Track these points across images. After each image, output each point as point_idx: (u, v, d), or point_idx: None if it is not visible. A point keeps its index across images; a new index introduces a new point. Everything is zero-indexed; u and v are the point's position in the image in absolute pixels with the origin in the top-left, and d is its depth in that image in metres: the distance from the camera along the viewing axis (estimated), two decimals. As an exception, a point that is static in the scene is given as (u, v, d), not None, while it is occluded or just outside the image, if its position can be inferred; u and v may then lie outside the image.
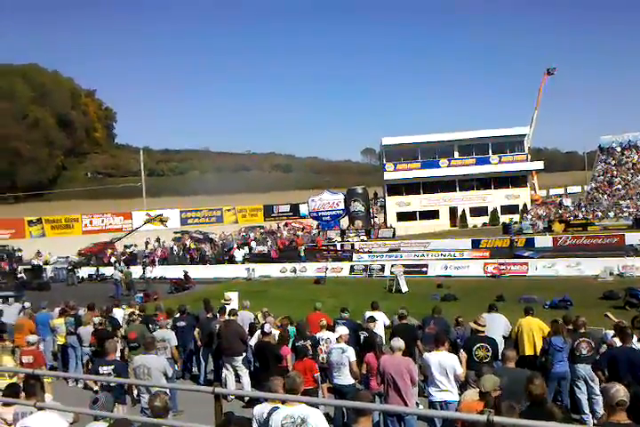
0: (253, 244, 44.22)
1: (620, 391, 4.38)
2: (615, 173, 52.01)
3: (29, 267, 36.50)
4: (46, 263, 38.46)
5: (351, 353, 8.34)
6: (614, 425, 4.20)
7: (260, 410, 5.33)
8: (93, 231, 61.94)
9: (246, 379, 10.43)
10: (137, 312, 13.46)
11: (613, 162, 53.87)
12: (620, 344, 7.92)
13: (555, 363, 8.68)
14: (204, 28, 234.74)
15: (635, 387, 6.07)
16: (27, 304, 15.29)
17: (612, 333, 9.21)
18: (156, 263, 39.11)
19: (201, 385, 11.06)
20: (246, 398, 9.68)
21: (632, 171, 51.23)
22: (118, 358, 9.75)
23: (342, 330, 8.84)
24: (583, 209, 46.14)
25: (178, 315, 12.65)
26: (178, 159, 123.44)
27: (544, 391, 5.23)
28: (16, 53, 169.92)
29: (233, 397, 9.86)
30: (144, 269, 33.24)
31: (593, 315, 11.25)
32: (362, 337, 10.15)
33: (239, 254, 38.82)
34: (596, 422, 7.86)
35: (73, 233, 61.43)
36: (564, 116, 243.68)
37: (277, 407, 5.12)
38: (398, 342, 7.42)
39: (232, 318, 11.02)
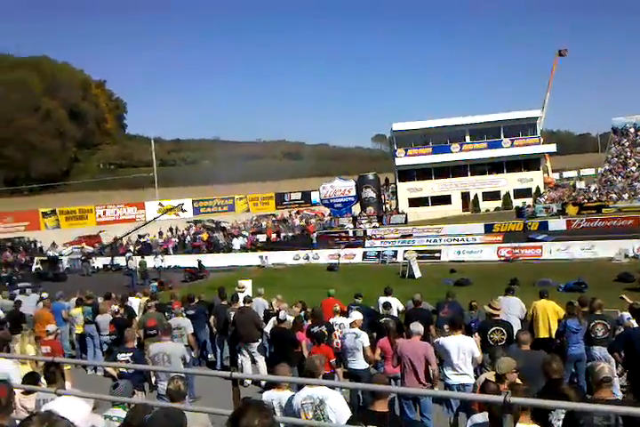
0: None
1: (605, 369, 4.56)
2: (629, 154, 51.38)
3: (45, 258, 36.93)
4: (61, 254, 38.90)
5: (365, 338, 8.37)
6: (600, 401, 4.30)
7: (269, 396, 5.38)
8: (107, 222, 62.38)
9: (262, 364, 10.51)
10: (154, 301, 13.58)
11: (627, 143, 53.21)
12: (637, 326, 7.89)
13: (570, 345, 8.68)
14: (212, 16, 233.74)
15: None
16: (44, 295, 15.47)
17: (627, 314, 9.17)
18: (170, 252, 39.48)
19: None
20: (262, 384, 9.77)
21: (646, 152, 50.63)
22: (136, 346, 9.87)
23: (356, 315, 8.87)
24: (597, 191, 45.71)
25: (187, 303, 12.72)
26: (189, 149, 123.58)
27: (561, 374, 5.24)
28: (27, 46, 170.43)
29: (249, 382, 9.96)
30: (156, 257, 33.64)
31: (608, 297, 11.18)
32: (379, 322, 10.16)
33: (237, 243, 39.09)
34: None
35: (87, 224, 61.84)
36: (576, 98, 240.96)
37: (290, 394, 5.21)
38: (417, 327, 7.44)
39: (247, 305, 11.08)
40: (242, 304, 11.26)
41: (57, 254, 37.95)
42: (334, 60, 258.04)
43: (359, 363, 8.40)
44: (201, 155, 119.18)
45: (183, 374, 5.62)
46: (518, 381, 5.32)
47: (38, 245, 47.05)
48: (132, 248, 39.64)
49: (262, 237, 42.68)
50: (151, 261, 32.94)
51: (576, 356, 8.67)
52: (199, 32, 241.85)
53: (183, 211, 48.49)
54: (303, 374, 5.80)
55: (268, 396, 5.39)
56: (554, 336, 9.29)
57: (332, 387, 5.17)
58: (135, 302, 14.38)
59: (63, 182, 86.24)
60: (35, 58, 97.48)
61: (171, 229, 50.28)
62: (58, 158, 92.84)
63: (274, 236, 43.35)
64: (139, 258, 31.06)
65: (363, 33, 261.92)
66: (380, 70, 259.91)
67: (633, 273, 19.53)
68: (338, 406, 4.76)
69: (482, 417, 4.32)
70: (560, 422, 4.58)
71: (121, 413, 4.99)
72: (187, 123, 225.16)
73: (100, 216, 64.80)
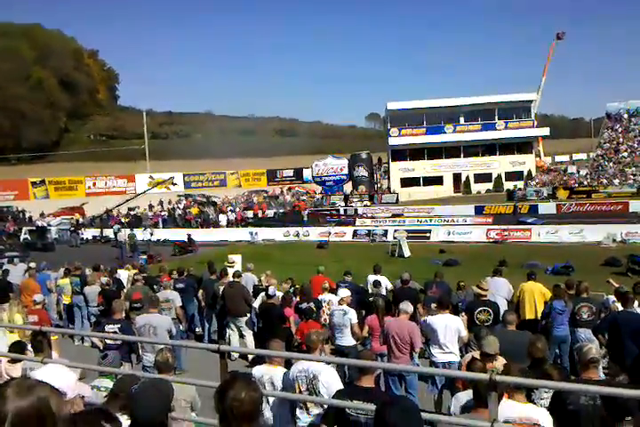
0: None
1: (592, 350, 4.60)
2: (622, 140, 51.45)
3: (34, 228, 36.72)
4: (49, 224, 38.70)
5: (353, 315, 8.42)
6: (587, 381, 4.34)
7: (259, 371, 5.40)
8: (97, 193, 62.05)
9: (250, 338, 10.58)
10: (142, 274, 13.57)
11: (620, 129, 53.22)
12: (622, 309, 7.97)
13: (555, 326, 8.78)
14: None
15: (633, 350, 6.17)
16: (32, 264, 15.41)
17: (613, 298, 9.26)
18: (160, 225, 39.39)
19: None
20: (249, 358, 9.85)
21: (639, 138, 50.66)
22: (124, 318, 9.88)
23: (344, 292, 8.90)
24: (588, 176, 45.87)
25: (177, 276, 12.72)
26: (181, 122, 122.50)
27: (545, 354, 5.30)
28: (18, 13, 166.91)
29: (236, 356, 10.03)
30: (145, 230, 33.60)
31: (595, 280, 11.28)
32: (367, 300, 10.20)
33: (223, 219, 39.12)
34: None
35: (77, 195, 61.49)
36: (572, 82, 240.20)
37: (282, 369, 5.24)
38: (406, 306, 7.47)
39: (236, 279, 11.09)
40: (231, 279, 11.27)
41: (45, 225, 37.73)
42: (329, 37, 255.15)
43: (346, 340, 8.46)
44: (193, 128, 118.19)
45: (171, 346, 5.63)
46: (500, 358, 5.38)
47: (27, 214, 46.74)
48: (122, 220, 39.50)
49: (250, 214, 42.70)
50: (140, 235, 32.86)
51: (560, 337, 8.78)
52: (194, 5, 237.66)
53: (174, 184, 48.33)
54: (293, 349, 5.83)
55: (258, 371, 5.39)
56: (539, 318, 9.39)
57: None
58: (124, 275, 14.39)
59: (53, 152, 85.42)
60: (26, 25, 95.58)
61: (161, 203, 50.06)
62: (48, 128, 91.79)
63: (261, 213, 43.29)
64: (128, 231, 30.95)
65: (359, 11, 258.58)
66: (375, 49, 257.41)
67: (620, 257, 19.72)
68: (330, 381, 4.80)
69: (466, 395, 4.36)
70: (543, 402, 4.64)
71: (108, 383, 5.00)
72: (179, 96, 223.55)
73: (89, 188, 64.45)
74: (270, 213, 43.63)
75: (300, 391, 4.89)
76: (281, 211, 44.36)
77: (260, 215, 42.38)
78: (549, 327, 8.82)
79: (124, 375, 4.50)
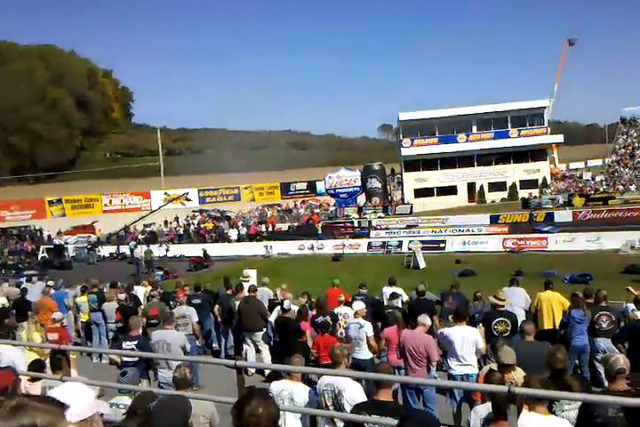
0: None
1: (620, 360, 4.49)
2: (637, 145, 51.07)
3: (51, 246, 37.08)
4: (66, 242, 39.05)
5: (368, 328, 8.36)
6: (613, 393, 4.26)
7: (278, 387, 5.38)
8: (113, 211, 62.60)
9: (267, 353, 10.56)
10: (158, 290, 13.64)
11: (635, 134, 52.86)
12: (642, 317, 7.87)
13: (574, 336, 8.66)
14: (218, 4, 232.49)
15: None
16: (50, 283, 15.54)
17: (632, 306, 9.13)
18: (175, 241, 39.58)
19: (222, 360, 11.21)
20: (266, 373, 9.82)
21: (654, 143, 50.32)
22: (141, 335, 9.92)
23: (359, 305, 8.84)
24: (604, 183, 45.48)
25: (192, 291, 12.76)
26: (195, 138, 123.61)
27: (565, 365, 5.24)
28: (33, 34, 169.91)
29: (253, 371, 10.01)
30: (160, 246, 33.82)
31: (614, 289, 11.15)
32: (383, 312, 10.15)
33: (234, 233, 39.20)
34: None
35: (93, 213, 62.09)
36: (585, 88, 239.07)
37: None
38: (424, 319, 7.42)
39: (252, 294, 11.10)
40: (247, 293, 11.28)
41: (63, 243, 38.07)
42: (341, 48, 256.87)
43: (363, 353, 8.40)
44: (207, 144, 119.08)
45: (189, 363, 5.64)
46: (519, 369, 5.33)
47: (44, 233, 47.26)
48: (138, 237, 39.76)
49: (264, 228, 42.77)
50: (156, 251, 33.02)
51: (579, 347, 8.66)
52: (205, 21, 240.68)
53: (188, 200, 48.52)
54: (309, 363, 5.81)
55: (277, 386, 5.36)
56: (558, 327, 9.28)
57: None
58: (140, 291, 14.44)
59: (69, 171, 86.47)
60: (41, 46, 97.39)
61: (177, 219, 50.39)
62: (64, 147, 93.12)
63: (271, 227, 43.29)
64: (144, 247, 31.14)
65: (370, 22, 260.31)
66: (387, 60, 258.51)
67: (639, 265, 19.46)
68: (355, 398, 4.81)
69: (485, 408, 4.31)
70: (564, 413, 4.58)
71: (127, 400, 5.02)
72: (193, 112, 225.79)
73: (105, 205, 65.04)
74: (284, 226, 43.66)
75: (326, 406, 4.93)
76: (295, 224, 44.41)
77: (271, 229, 42.38)
78: (568, 337, 8.70)
79: (143, 393, 4.53)
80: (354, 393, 4.86)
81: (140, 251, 30.24)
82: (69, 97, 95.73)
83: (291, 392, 5.24)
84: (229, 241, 38.15)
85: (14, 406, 1.57)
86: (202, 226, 44.39)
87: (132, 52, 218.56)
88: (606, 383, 4.81)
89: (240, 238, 38.86)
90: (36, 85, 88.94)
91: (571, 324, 8.75)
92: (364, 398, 4.86)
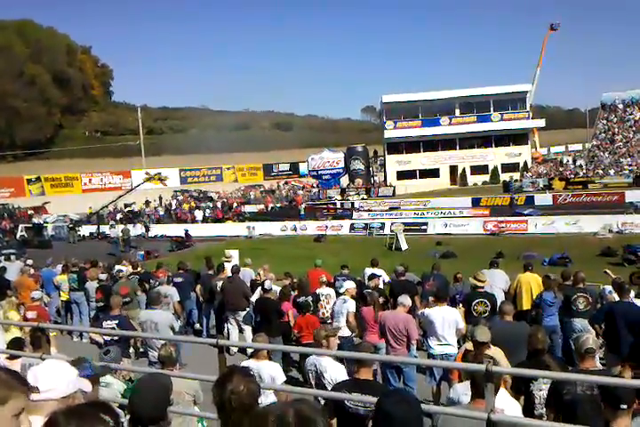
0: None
1: (589, 340, 4.62)
2: (617, 130, 51.52)
3: (30, 225, 36.62)
4: (46, 221, 38.58)
5: (351, 304, 8.53)
6: (584, 371, 4.37)
7: (247, 365, 5.40)
8: (93, 190, 61.89)
9: (249, 333, 10.59)
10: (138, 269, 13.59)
11: (615, 119, 53.29)
12: (618, 299, 8.00)
13: (545, 317, 8.82)
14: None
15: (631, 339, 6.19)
16: (29, 262, 15.39)
17: (609, 288, 9.30)
18: (155, 221, 39.39)
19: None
20: (249, 352, 9.87)
21: (634, 128, 50.73)
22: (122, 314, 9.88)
23: (349, 284, 8.99)
24: (584, 167, 45.94)
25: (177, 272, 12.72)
26: (176, 117, 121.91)
27: (544, 345, 5.30)
28: (10, 9, 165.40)
29: (235, 350, 10.05)
30: (141, 226, 33.60)
31: (591, 271, 11.33)
32: (364, 293, 10.23)
33: (199, 214, 39.18)
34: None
35: (73, 191, 61.41)
36: (567, 73, 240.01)
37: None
38: (404, 300, 7.49)
39: (235, 274, 11.10)
40: (228, 274, 11.28)
41: (42, 222, 37.62)
42: (324, 29, 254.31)
43: (342, 330, 8.48)
44: (189, 123, 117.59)
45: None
46: (497, 349, 5.40)
47: (28, 211, 46.41)
48: (116, 217, 39.46)
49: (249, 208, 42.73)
50: (137, 230, 32.78)
51: (550, 327, 8.77)
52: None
53: (162, 180, 47.76)
54: (291, 343, 5.86)
55: (246, 365, 5.40)
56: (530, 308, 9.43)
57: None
58: (124, 270, 14.36)
59: (48, 149, 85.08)
60: (19, 21, 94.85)
61: (160, 199, 50.10)
62: (43, 125, 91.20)
63: (266, 208, 43.31)
64: (122, 226, 30.94)
65: (355, 4, 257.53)
66: (370, 41, 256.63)
67: (616, 248, 19.79)
68: (337, 378, 4.86)
69: (464, 386, 4.38)
70: (541, 393, 4.66)
71: (109, 379, 5.01)
72: (174, 91, 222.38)
73: (85, 184, 64.30)
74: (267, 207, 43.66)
75: (310, 384, 5.03)
76: (278, 205, 44.35)
77: (234, 210, 42.28)
78: (539, 318, 8.85)
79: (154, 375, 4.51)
80: (335, 374, 4.91)
81: (117, 230, 30.05)
82: (48, 74, 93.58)
83: (258, 370, 5.27)
84: (195, 222, 38.09)
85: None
86: (182, 206, 44.22)
87: (111, 29, 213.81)
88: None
89: (204, 219, 38.86)
90: (14, 61, 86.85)
91: (542, 306, 8.90)
92: (345, 378, 4.91)
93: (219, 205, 44.34)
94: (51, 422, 1.87)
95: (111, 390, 4.83)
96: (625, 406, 3.16)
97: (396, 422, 2.29)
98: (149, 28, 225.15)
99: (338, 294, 10.27)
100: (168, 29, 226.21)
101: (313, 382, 4.99)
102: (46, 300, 12.61)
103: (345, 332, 8.51)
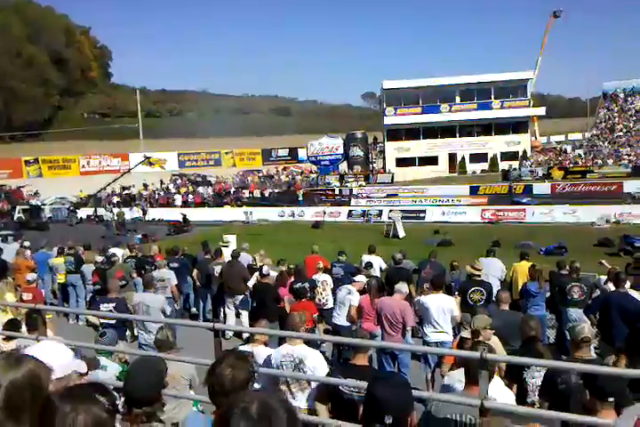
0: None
1: (585, 329, 4.62)
2: (617, 119, 51.41)
3: (27, 207, 36.55)
4: (43, 203, 38.51)
5: (356, 297, 8.34)
6: (579, 360, 4.38)
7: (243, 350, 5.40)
8: (91, 172, 61.64)
9: (245, 318, 10.64)
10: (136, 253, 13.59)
11: (616, 108, 53.14)
12: (613, 289, 8.04)
13: (530, 306, 8.87)
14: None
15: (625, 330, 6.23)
16: (26, 243, 15.36)
17: (605, 278, 9.33)
18: (152, 205, 39.37)
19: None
20: (244, 337, 9.91)
21: (635, 118, 50.62)
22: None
23: (360, 278, 8.89)
24: (583, 156, 45.88)
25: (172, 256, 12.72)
26: (175, 100, 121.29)
27: (538, 333, 5.34)
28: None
29: (231, 334, 10.10)
30: (138, 209, 33.57)
31: (587, 261, 11.37)
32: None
33: (179, 199, 39.26)
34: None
35: (70, 174, 61.15)
36: (569, 61, 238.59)
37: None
38: (401, 287, 7.51)
39: (234, 259, 11.12)
40: (226, 259, 11.30)
41: (39, 203, 37.54)
42: (325, 15, 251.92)
43: (342, 319, 8.51)
44: (188, 107, 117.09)
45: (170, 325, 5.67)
46: (494, 337, 5.43)
47: (25, 193, 46.25)
48: (113, 200, 39.40)
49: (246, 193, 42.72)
50: (134, 213, 32.72)
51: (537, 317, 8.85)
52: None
53: (151, 164, 47.34)
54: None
55: (242, 350, 5.41)
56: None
57: (312, 344, 5.20)
58: (119, 253, 14.37)
59: (46, 131, 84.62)
60: (17, 1, 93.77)
61: (161, 182, 50.02)
62: (40, 106, 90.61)
63: (258, 192, 43.23)
64: (117, 209, 30.91)
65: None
66: (372, 27, 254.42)
67: (613, 238, 19.82)
68: (316, 365, 4.75)
69: (458, 373, 4.40)
70: (534, 380, 4.70)
71: (106, 361, 5.04)
72: (173, 74, 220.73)
73: (83, 166, 64.01)
74: (265, 193, 43.53)
75: (285, 379, 4.82)
76: (276, 191, 44.28)
77: (253, 195, 42.34)
78: (523, 308, 8.90)
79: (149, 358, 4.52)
80: (315, 361, 4.79)
81: (112, 213, 30.04)
82: (46, 54, 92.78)
83: (254, 356, 5.27)
84: (174, 206, 38.15)
85: (17, 357, 1.85)
86: (178, 190, 44.23)
87: (110, 10, 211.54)
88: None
89: (185, 204, 38.94)
90: (12, 41, 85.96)
91: (525, 296, 8.95)
92: (326, 366, 4.83)
93: (213, 189, 44.42)
94: (46, 404, 1.88)
95: (107, 373, 4.86)
96: (612, 399, 3.18)
97: (385, 406, 2.30)
98: (149, 9, 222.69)
99: (335, 281, 10.31)
100: (168, 11, 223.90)
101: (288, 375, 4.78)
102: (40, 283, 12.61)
103: (344, 321, 8.52)
